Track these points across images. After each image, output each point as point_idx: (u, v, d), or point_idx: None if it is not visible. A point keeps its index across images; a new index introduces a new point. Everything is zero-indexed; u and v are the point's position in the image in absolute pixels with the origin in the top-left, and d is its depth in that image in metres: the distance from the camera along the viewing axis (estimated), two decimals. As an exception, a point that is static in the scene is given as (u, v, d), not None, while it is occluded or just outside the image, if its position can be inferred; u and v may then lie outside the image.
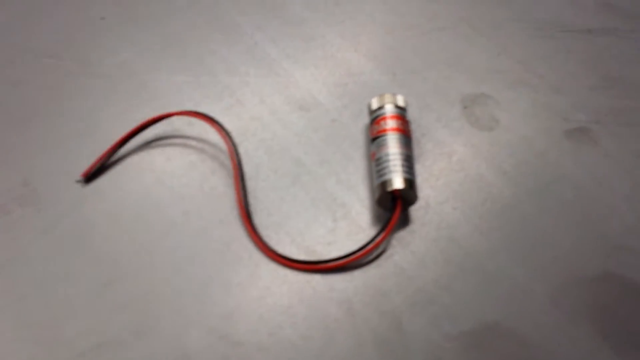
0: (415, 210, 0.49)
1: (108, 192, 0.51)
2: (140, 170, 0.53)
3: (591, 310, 0.44)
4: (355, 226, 0.49)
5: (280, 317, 0.45)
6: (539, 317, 0.44)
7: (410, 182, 0.47)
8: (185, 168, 0.53)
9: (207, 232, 0.49)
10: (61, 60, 0.61)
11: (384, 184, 0.47)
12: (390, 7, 0.65)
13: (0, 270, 0.47)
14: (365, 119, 0.54)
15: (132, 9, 0.66)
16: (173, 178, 0.52)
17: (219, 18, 0.65)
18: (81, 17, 0.65)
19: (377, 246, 0.46)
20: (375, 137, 0.50)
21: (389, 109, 0.50)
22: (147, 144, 0.54)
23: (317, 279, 0.46)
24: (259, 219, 0.49)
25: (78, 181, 0.52)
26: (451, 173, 0.52)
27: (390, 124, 0.49)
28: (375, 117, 0.51)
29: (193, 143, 0.54)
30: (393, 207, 0.47)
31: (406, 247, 0.48)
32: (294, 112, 0.56)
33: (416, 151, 0.52)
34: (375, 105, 0.52)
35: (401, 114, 0.51)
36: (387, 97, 0.51)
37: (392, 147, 0.48)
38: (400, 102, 0.51)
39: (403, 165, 0.47)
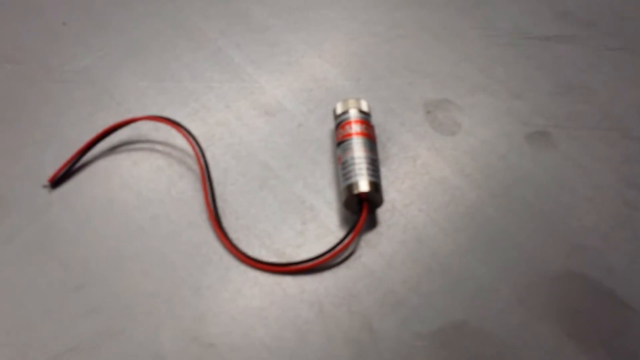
0: (382, 213, 0.50)
1: (75, 197, 0.51)
2: (107, 175, 0.52)
3: (555, 308, 0.45)
4: (323, 229, 0.49)
5: (252, 318, 0.45)
6: (504, 316, 0.45)
7: (375, 185, 0.47)
8: (152, 172, 0.52)
9: (176, 236, 0.49)
10: (22, 65, 0.60)
11: (350, 187, 0.47)
12: (353, 15, 0.66)
13: (-34, 277, 0.46)
14: (331, 124, 0.55)
15: (94, 15, 0.65)
16: (140, 182, 0.52)
17: (182, 24, 0.64)
18: (42, 23, 0.64)
19: (345, 248, 0.47)
20: (340, 142, 0.50)
21: (353, 114, 0.51)
22: (113, 149, 0.54)
23: (287, 280, 0.46)
24: (228, 223, 0.49)
25: (45, 186, 0.51)
26: (416, 176, 0.52)
27: (355, 128, 0.50)
28: (340, 122, 0.51)
29: (160, 148, 0.54)
30: (360, 210, 0.47)
31: (374, 248, 0.48)
32: (260, 117, 0.56)
33: (381, 155, 0.53)
34: (339, 110, 0.52)
35: (365, 118, 0.51)
36: (351, 102, 0.52)
37: (358, 150, 0.49)
38: (364, 107, 0.52)
39: (368, 169, 0.48)
